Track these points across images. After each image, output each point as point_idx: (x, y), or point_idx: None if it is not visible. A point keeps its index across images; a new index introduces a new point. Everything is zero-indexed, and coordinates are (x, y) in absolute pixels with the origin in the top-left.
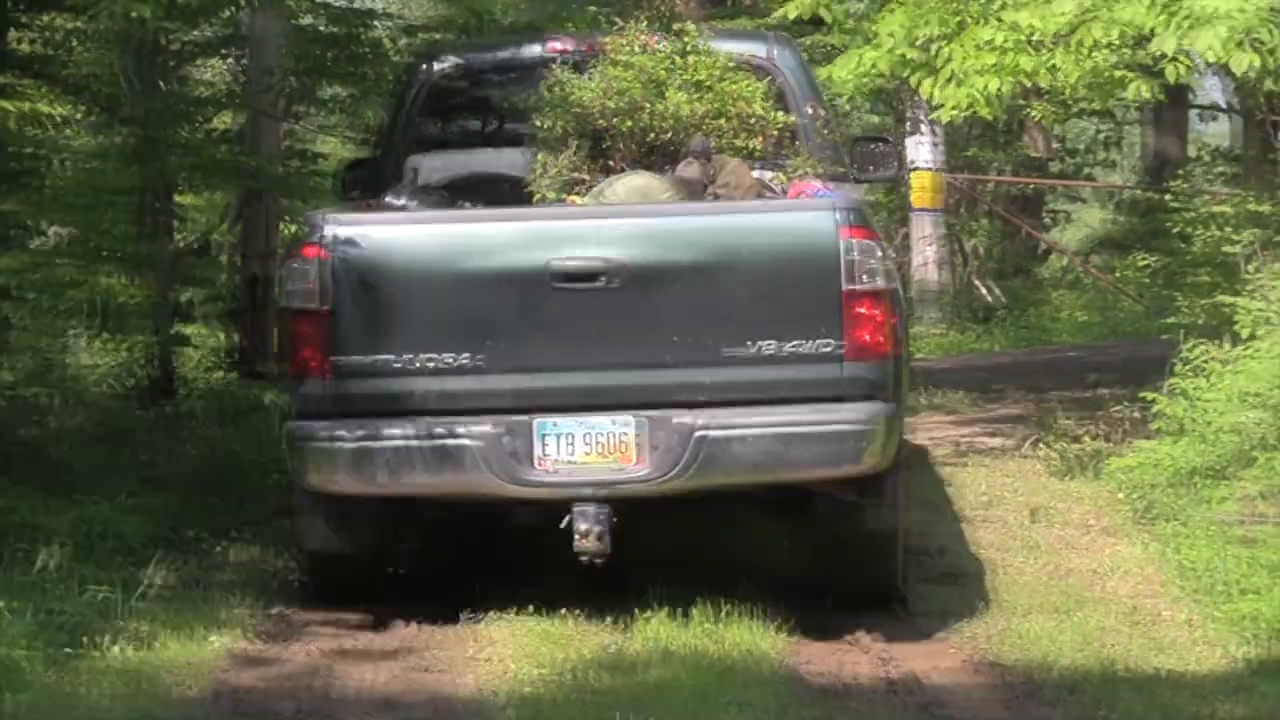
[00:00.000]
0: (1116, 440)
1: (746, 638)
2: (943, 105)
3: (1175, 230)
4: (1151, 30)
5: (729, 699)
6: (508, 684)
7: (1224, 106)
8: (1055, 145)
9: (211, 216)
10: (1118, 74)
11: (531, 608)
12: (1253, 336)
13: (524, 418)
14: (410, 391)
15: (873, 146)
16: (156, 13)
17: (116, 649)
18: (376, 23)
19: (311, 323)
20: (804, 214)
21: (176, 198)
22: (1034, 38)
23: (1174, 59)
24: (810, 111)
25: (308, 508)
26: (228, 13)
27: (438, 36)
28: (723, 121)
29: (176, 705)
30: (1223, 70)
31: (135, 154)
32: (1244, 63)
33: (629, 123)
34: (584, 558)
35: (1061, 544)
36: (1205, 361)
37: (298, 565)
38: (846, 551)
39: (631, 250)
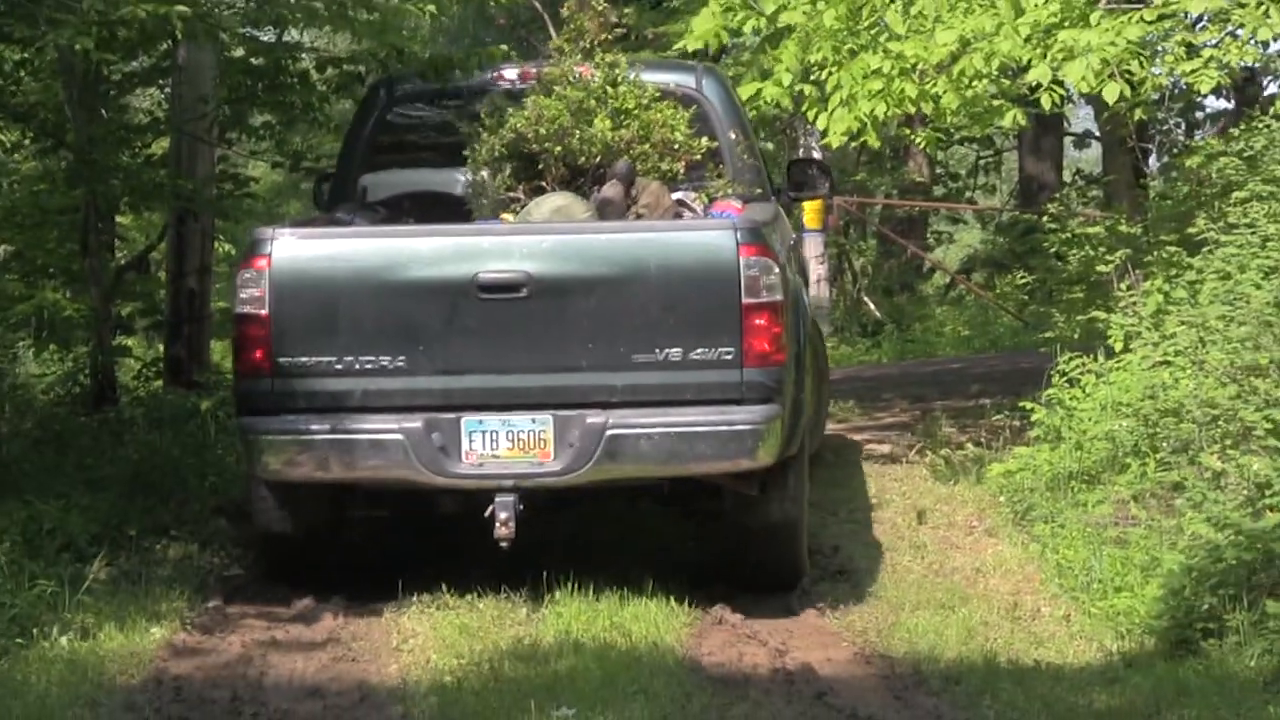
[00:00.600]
0: (997, 447)
1: (651, 630)
2: (833, 133)
3: (1050, 250)
4: (1028, 62)
5: (635, 687)
6: (428, 673)
7: (1095, 134)
8: (937, 170)
9: (149, 235)
10: (995, 103)
11: (450, 601)
12: (1124, 350)
13: (452, 415)
14: (348, 390)
15: (807, 168)
16: (98, 45)
17: (63, 640)
18: (303, 55)
19: (257, 327)
20: (706, 233)
21: (116, 218)
22: (918, 67)
23: (1048, 88)
24: (732, 137)
25: (260, 494)
26: (163, 45)
27: (361, 69)
28: (646, 146)
29: (119, 692)
30: (1093, 99)
31: (77, 177)
32: (1114, 93)
33: (557, 147)
34: (502, 544)
35: (946, 544)
36: (1079, 373)
37: (256, 546)
38: (752, 542)
39: (549, 264)
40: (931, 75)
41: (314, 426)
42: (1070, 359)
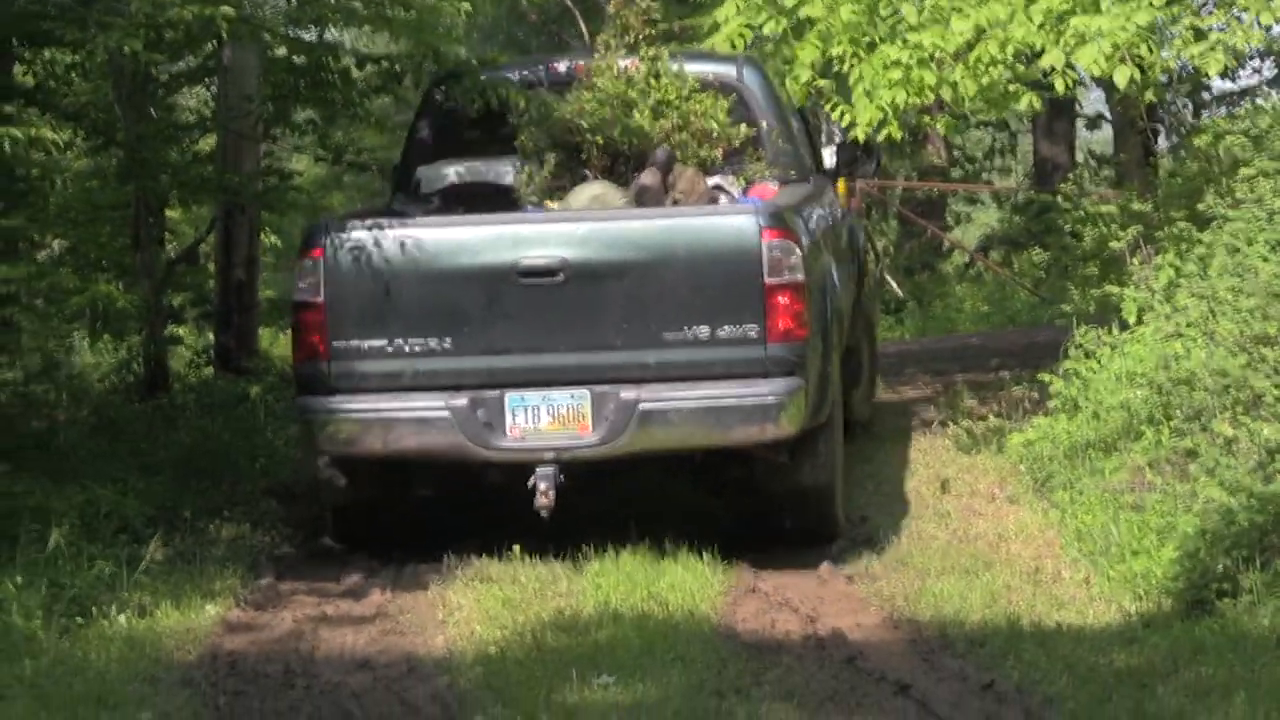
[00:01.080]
0: (1017, 418)
1: (687, 599)
2: (854, 125)
3: (1065, 228)
4: (1041, 47)
5: (672, 655)
6: (473, 645)
7: (1107, 116)
8: (955, 153)
9: (198, 229)
10: (1011, 88)
11: (494, 574)
12: (1138, 322)
13: (496, 392)
14: (399, 371)
15: (855, 149)
16: (145, 46)
17: (121, 618)
18: (343, 53)
19: (313, 313)
20: (730, 218)
21: (166, 212)
22: (935, 55)
23: (1061, 73)
24: (768, 124)
25: (322, 470)
26: (209, 46)
27: (398, 67)
28: (685, 135)
29: (176, 668)
30: (1105, 82)
31: (127, 174)
32: (1125, 76)
33: (599, 138)
34: (542, 512)
35: (969, 512)
36: (1095, 346)
37: (315, 519)
38: (785, 506)
39: (583, 250)
40: (949, 63)
41: (368, 405)
42: (1086, 332)
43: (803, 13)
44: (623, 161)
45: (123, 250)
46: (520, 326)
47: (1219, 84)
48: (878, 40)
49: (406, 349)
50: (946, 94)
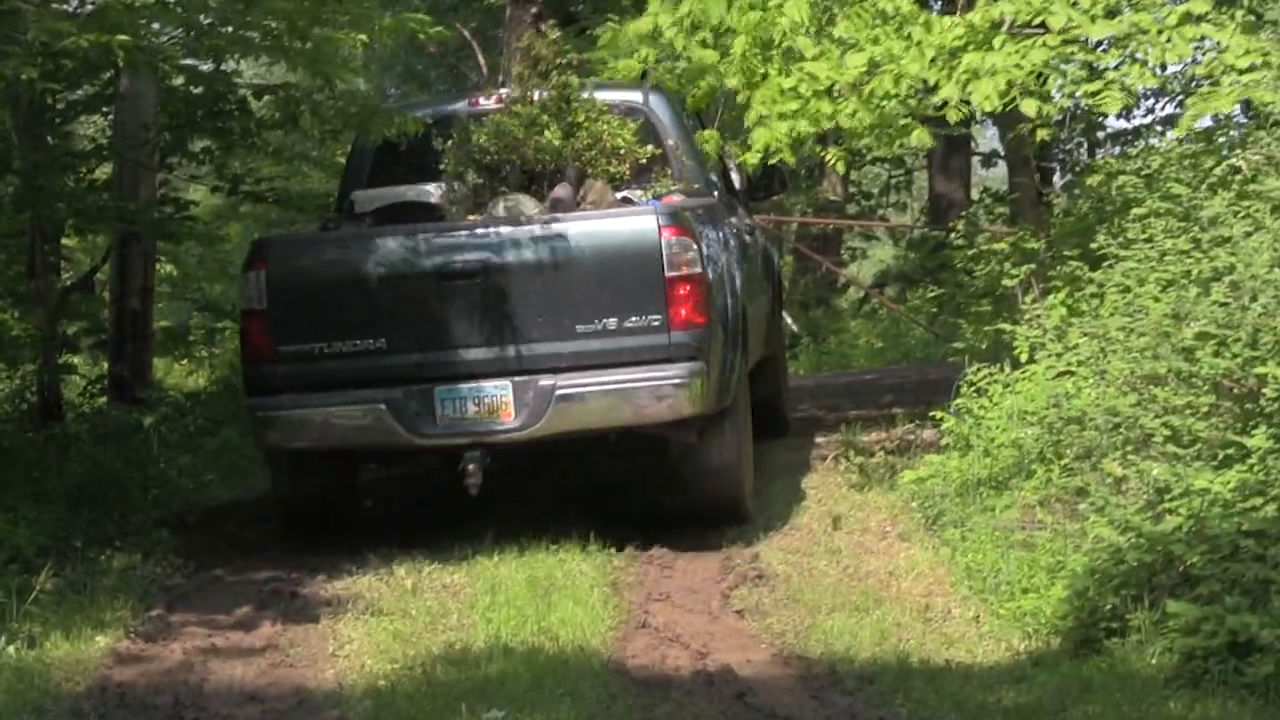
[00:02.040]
0: (909, 455)
1: (577, 634)
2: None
3: (958, 265)
4: (936, 83)
5: (562, 690)
6: (364, 678)
7: (1001, 154)
8: (851, 189)
9: (93, 257)
10: (903, 122)
11: (385, 607)
12: (1029, 360)
13: (426, 386)
14: (338, 369)
15: (767, 171)
16: (42, 75)
17: (10, 649)
18: (240, 84)
19: (259, 319)
20: (633, 219)
21: (62, 240)
22: (833, 87)
23: (955, 106)
24: (673, 143)
25: (274, 463)
26: (106, 74)
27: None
28: (594, 153)
29: (65, 699)
30: (999, 119)
31: (23, 201)
32: (1033, 107)
33: (514, 157)
34: (472, 491)
35: (860, 549)
36: (987, 383)
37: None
38: (695, 486)
39: (501, 254)
40: (845, 95)
41: (310, 402)
42: (978, 370)
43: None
44: (538, 178)
45: (17, 278)
46: (446, 326)
47: (1113, 122)
48: (770, 72)
49: (344, 349)
50: (845, 122)
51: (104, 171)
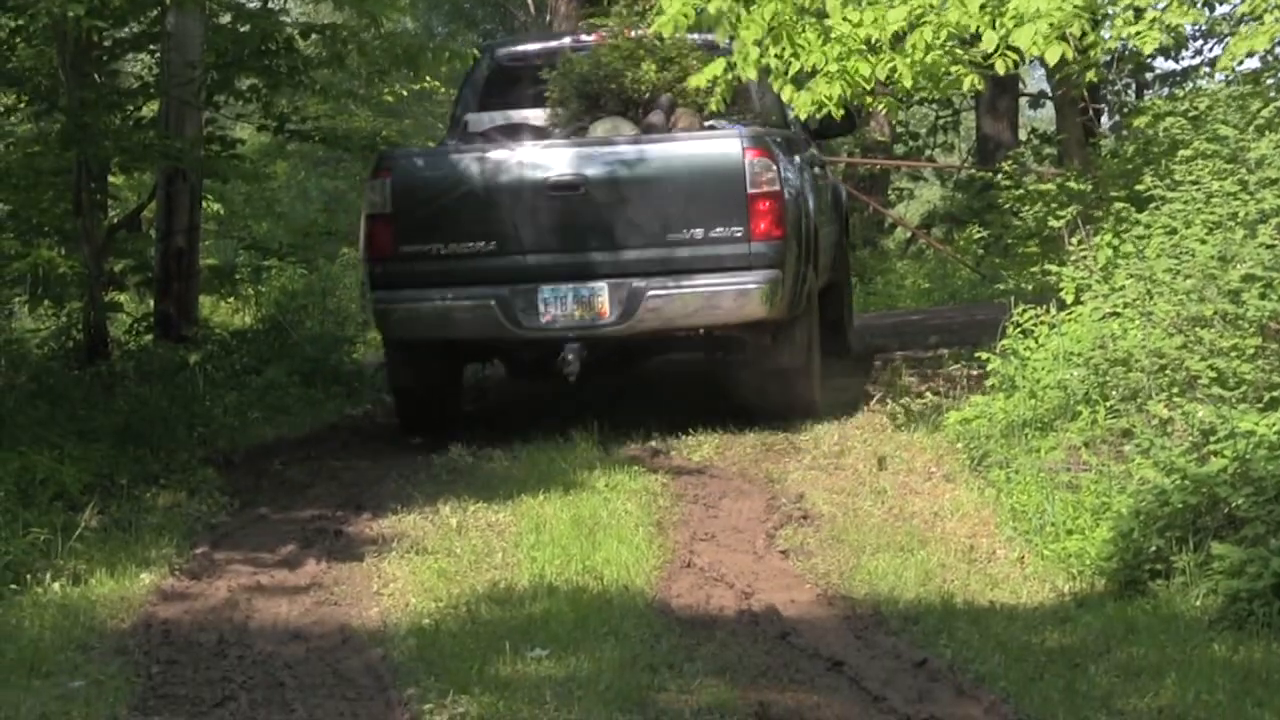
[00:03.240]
0: (954, 396)
1: (622, 574)
2: (798, 106)
3: (1005, 206)
4: (978, 30)
5: (606, 629)
6: (408, 616)
7: (1049, 95)
8: (898, 129)
9: (140, 195)
10: (953, 69)
11: (429, 546)
12: (1075, 302)
13: (531, 285)
14: (453, 268)
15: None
16: (89, 12)
17: (56, 586)
18: (287, 23)
19: (382, 222)
20: (718, 141)
21: (108, 178)
22: (873, 40)
23: (1001, 54)
24: (754, 80)
25: (392, 356)
26: (153, 12)
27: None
28: (684, 85)
29: (110, 636)
30: (1045, 62)
31: (70, 139)
32: (1057, 54)
33: (612, 85)
34: (570, 378)
35: (905, 489)
36: (1033, 325)
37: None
38: (770, 381)
39: (599, 169)
40: (886, 51)
41: (429, 297)
42: (1024, 311)
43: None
44: (634, 106)
45: (64, 216)
46: (549, 231)
47: (1162, 64)
48: (813, 34)
49: (459, 250)
50: (883, 76)
51: (150, 109)
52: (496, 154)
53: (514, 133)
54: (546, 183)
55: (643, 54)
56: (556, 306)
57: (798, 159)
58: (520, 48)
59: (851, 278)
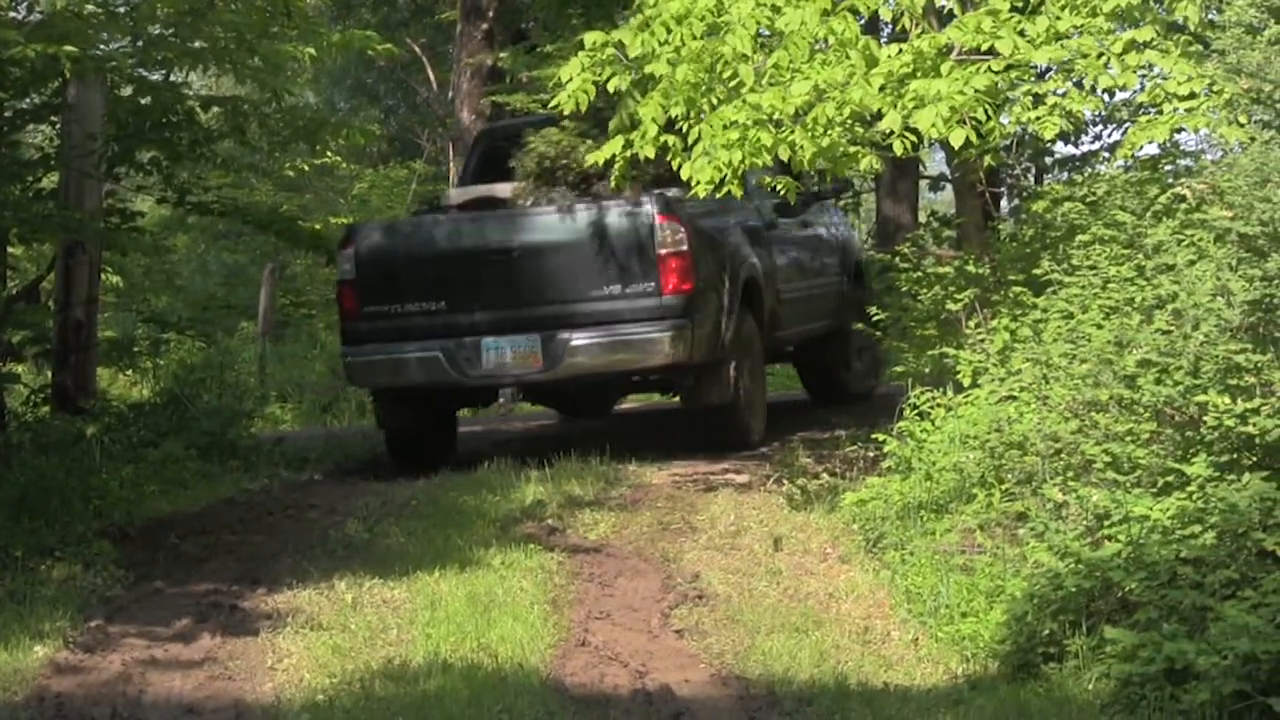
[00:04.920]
0: (851, 477)
1: (517, 651)
2: (698, 182)
3: (904, 288)
4: (880, 110)
5: (500, 707)
6: (302, 692)
7: (949, 177)
8: None
9: (40, 266)
10: (851, 149)
11: (324, 621)
12: (972, 385)
13: (475, 338)
14: (407, 326)
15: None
16: None
17: None
18: (189, 95)
19: (348, 287)
20: (636, 207)
21: (7, 249)
22: (774, 116)
23: (900, 135)
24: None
25: (378, 402)
26: (54, 84)
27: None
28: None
29: (3, 709)
30: (945, 144)
31: None
32: (961, 138)
33: (563, 160)
34: (502, 412)
35: (800, 570)
36: (930, 407)
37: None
38: (706, 416)
39: (529, 235)
40: (788, 125)
41: (387, 350)
42: (921, 393)
43: (648, 69)
44: (587, 178)
45: None
46: (488, 292)
47: (1061, 148)
48: (715, 101)
49: (413, 309)
50: (784, 154)
51: (50, 181)
52: (442, 224)
53: (481, 204)
54: (484, 249)
55: (596, 132)
56: (496, 357)
57: (733, 221)
58: (506, 126)
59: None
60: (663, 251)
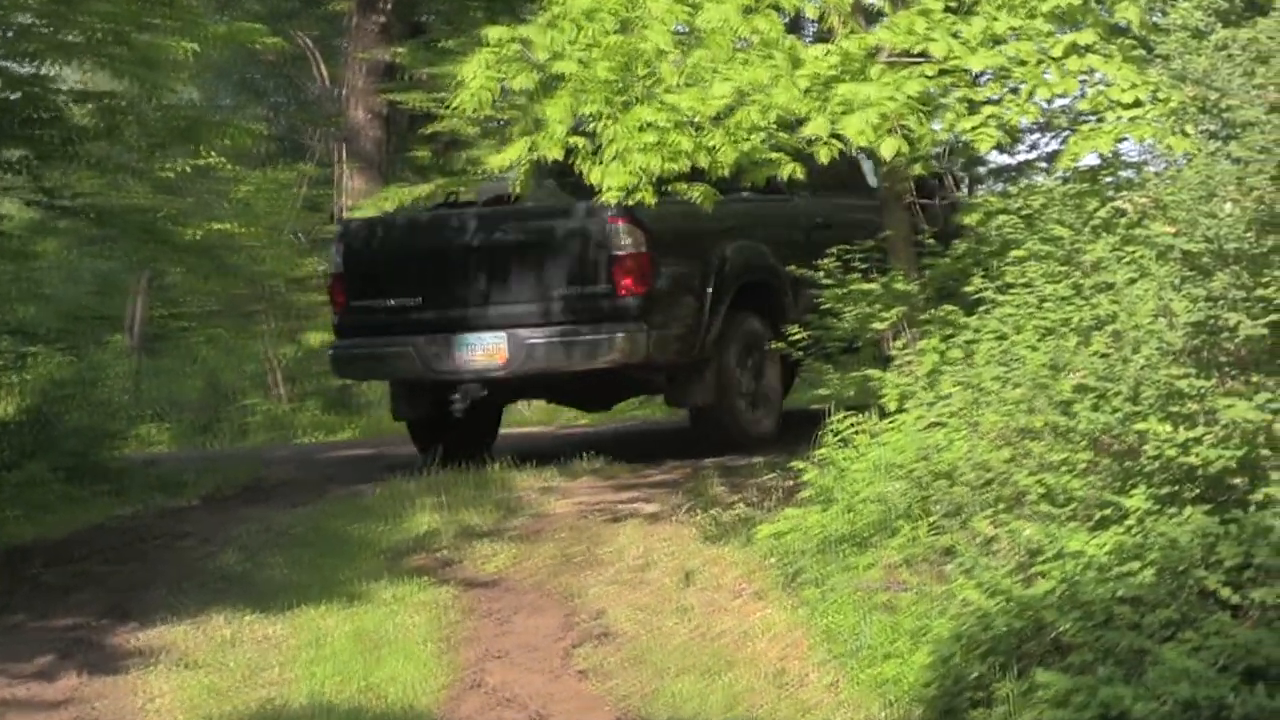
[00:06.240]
0: (767, 507)
1: (406, 693)
2: (608, 189)
3: (826, 306)
4: (805, 114)
5: None
6: None
7: (875, 188)
8: None
9: None
10: (773, 156)
11: (199, 659)
12: (898, 410)
13: (446, 334)
14: (387, 321)
15: None
16: None
17: None
18: (59, 91)
19: (337, 281)
20: (591, 210)
21: None
22: (694, 119)
23: (826, 142)
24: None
25: (392, 393)
26: None
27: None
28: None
29: None
30: (872, 154)
31: None
32: (892, 148)
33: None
34: (457, 413)
35: (712, 607)
36: (852, 433)
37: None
38: (697, 418)
39: (497, 234)
40: (708, 128)
41: (367, 344)
42: (844, 418)
43: (555, 68)
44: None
45: None
46: (461, 288)
47: (996, 158)
48: (633, 100)
49: (392, 305)
50: (703, 160)
51: None
52: (423, 221)
53: (501, 200)
54: (457, 245)
55: None
56: (465, 353)
57: (704, 223)
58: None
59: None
60: (618, 253)
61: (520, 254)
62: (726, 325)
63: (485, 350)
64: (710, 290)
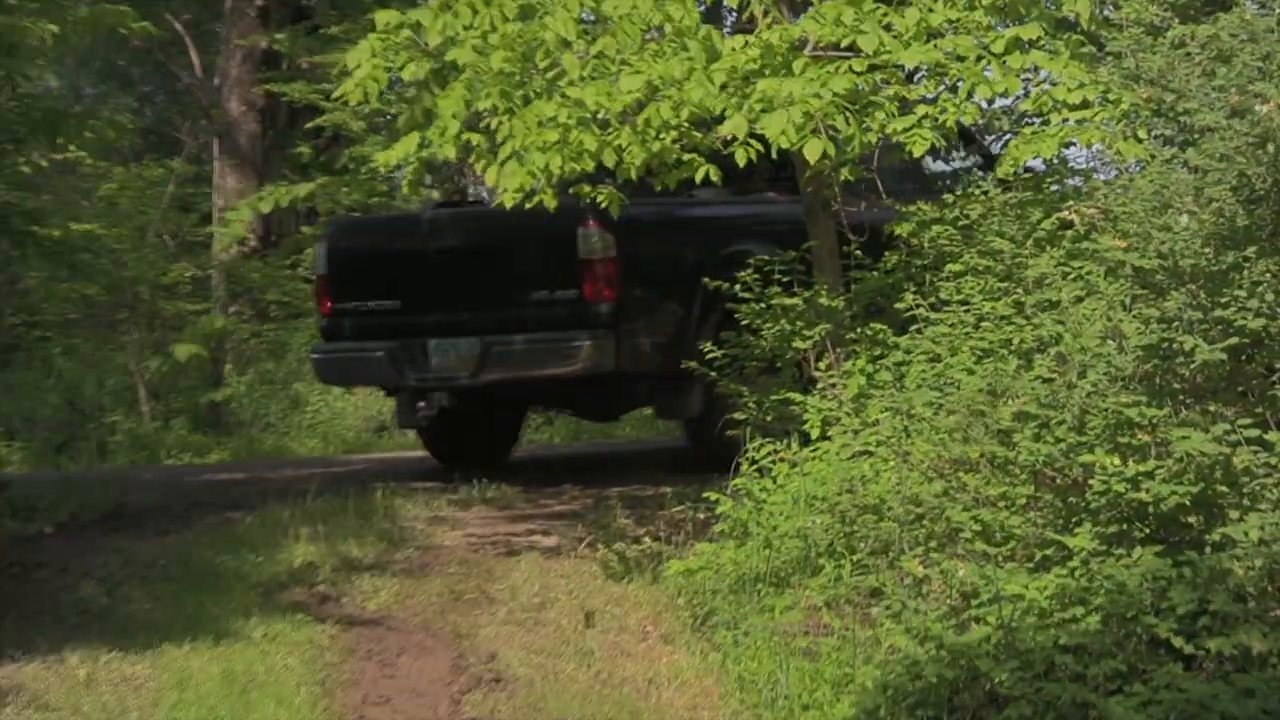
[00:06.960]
0: (677, 542)
1: None
2: (505, 190)
3: (743, 322)
4: (722, 113)
5: None
6: None
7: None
8: None
9: None
10: (686, 157)
11: (51, 701)
12: (821, 437)
13: (420, 339)
14: (368, 325)
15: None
16: None
17: None
18: None
19: (322, 282)
20: (562, 214)
21: None
22: (600, 115)
23: (744, 143)
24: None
25: (398, 401)
26: None
27: None
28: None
29: None
30: (795, 156)
31: None
32: (817, 150)
33: None
34: (421, 423)
35: (616, 651)
36: (771, 462)
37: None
38: (691, 431)
39: (465, 238)
40: (615, 126)
41: (345, 348)
42: (761, 445)
43: (449, 56)
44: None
45: None
46: (433, 292)
47: (931, 163)
48: (533, 95)
49: (371, 308)
50: (610, 160)
51: None
52: (404, 222)
53: (452, 207)
54: (430, 249)
55: None
56: (436, 358)
57: (690, 227)
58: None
59: None
60: (586, 258)
61: (493, 257)
62: (717, 335)
63: (459, 356)
64: (698, 298)
